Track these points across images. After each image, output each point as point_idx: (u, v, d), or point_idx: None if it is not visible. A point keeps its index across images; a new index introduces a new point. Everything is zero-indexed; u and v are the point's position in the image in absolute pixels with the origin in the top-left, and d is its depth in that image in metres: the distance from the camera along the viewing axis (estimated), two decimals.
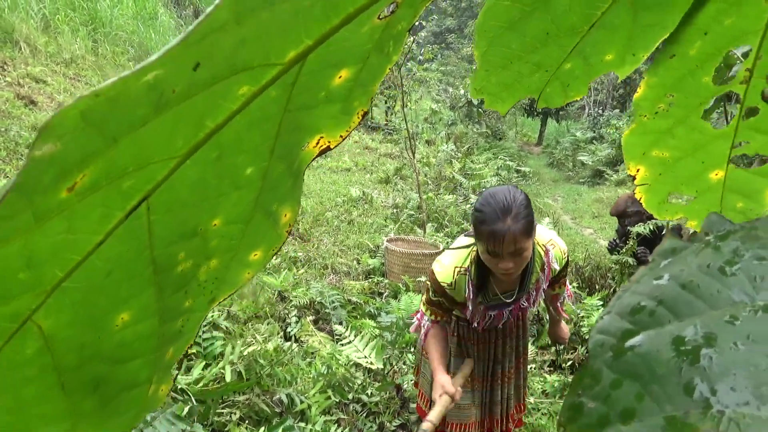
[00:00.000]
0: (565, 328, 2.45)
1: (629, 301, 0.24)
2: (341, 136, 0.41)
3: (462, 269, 1.88)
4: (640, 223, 4.30)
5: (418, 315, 2.11)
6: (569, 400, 0.21)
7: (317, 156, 0.41)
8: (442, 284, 1.90)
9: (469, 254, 1.88)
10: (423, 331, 2.05)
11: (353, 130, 0.42)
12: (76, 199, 0.28)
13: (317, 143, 0.40)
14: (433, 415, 1.75)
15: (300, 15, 0.31)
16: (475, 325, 2.01)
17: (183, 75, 0.27)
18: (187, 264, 0.38)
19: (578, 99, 0.73)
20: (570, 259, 2.30)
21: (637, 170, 0.69)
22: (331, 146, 0.41)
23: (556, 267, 1.97)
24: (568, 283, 2.30)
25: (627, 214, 4.37)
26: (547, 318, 3.95)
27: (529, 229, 1.65)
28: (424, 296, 2.04)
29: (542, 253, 1.92)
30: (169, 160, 0.31)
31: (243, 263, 0.42)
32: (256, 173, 0.37)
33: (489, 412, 2.25)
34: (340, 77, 0.37)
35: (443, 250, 5.01)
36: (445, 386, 1.82)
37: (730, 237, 0.25)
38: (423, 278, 4.09)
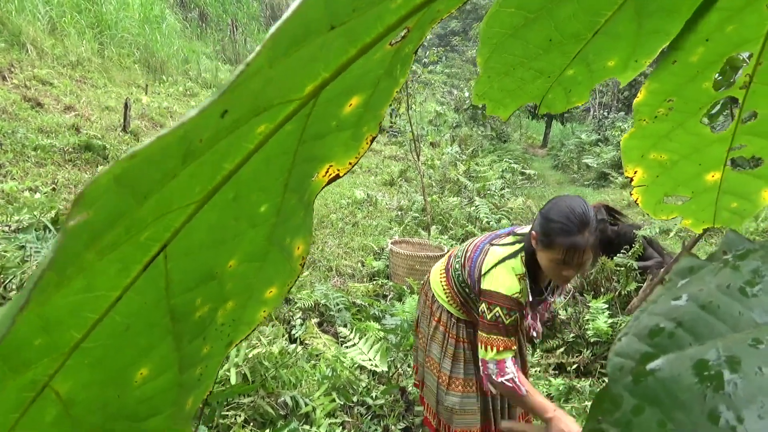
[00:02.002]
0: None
1: (647, 322, 0.24)
2: (350, 163, 0.40)
3: (522, 275, 1.87)
4: (603, 232, 4.44)
5: (492, 370, 1.87)
6: (589, 427, 0.20)
7: (326, 185, 0.40)
8: (514, 297, 1.84)
9: (520, 259, 1.89)
10: (517, 379, 1.82)
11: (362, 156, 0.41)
12: (97, 258, 0.27)
13: (326, 172, 0.40)
14: None
15: (323, 50, 0.30)
16: (532, 331, 2.00)
17: (211, 123, 0.27)
18: (205, 309, 0.37)
19: (580, 104, 0.73)
20: None
21: (635, 172, 0.70)
22: (341, 174, 0.40)
23: None
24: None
25: None
26: (559, 320, 3.95)
27: (597, 241, 1.73)
28: (495, 341, 1.85)
29: None
30: (187, 207, 0.30)
31: (259, 301, 0.41)
32: (271, 209, 0.37)
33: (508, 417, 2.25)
34: (350, 105, 0.37)
35: (447, 252, 4.98)
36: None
37: (750, 256, 0.25)
38: None
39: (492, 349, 1.86)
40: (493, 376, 1.85)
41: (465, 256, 2.08)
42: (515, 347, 1.88)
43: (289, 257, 0.41)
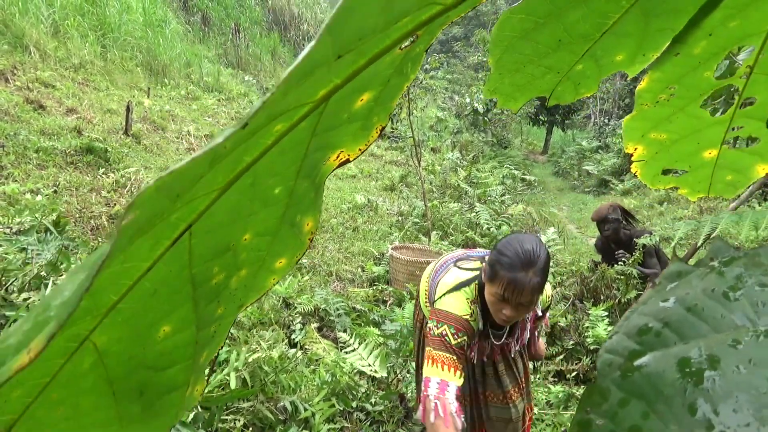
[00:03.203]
0: (541, 344, 2.41)
1: (636, 322, 0.25)
2: (360, 150, 0.44)
3: (473, 300, 1.83)
4: (616, 232, 4.49)
5: (433, 391, 1.64)
6: (578, 417, 0.22)
7: (336, 168, 0.44)
8: (464, 318, 1.77)
9: (474, 287, 1.86)
10: (453, 408, 1.58)
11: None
12: (136, 237, 0.31)
13: (337, 157, 0.43)
14: None
15: (332, 69, 0.33)
16: (472, 356, 1.96)
17: (234, 135, 0.30)
18: (221, 276, 0.41)
19: (586, 103, 0.75)
20: (552, 296, 2.21)
21: (635, 149, 0.73)
22: (350, 159, 0.44)
23: (539, 312, 2.03)
24: (546, 317, 2.29)
25: (608, 219, 4.60)
26: (558, 330, 3.95)
27: (543, 287, 1.65)
28: (441, 357, 1.70)
29: None
30: (211, 193, 0.35)
31: (269, 270, 0.46)
32: (284, 192, 0.41)
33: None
34: (362, 100, 0.40)
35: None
36: None
37: (734, 263, 0.26)
38: None
39: (438, 366, 1.70)
40: (431, 397, 1.62)
41: (435, 269, 2.09)
42: (461, 378, 1.70)
43: (299, 232, 0.45)
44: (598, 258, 4.95)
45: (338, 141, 0.42)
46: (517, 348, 2.04)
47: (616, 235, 4.61)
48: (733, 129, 0.69)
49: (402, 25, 0.34)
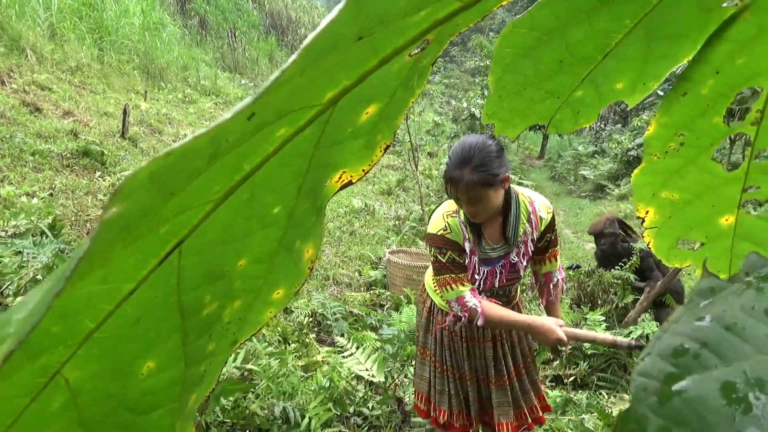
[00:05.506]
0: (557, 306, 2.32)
1: (670, 342, 0.24)
2: (363, 170, 0.41)
3: (451, 212, 1.94)
4: (613, 245, 4.48)
5: (470, 301, 1.90)
6: None
7: (339, 190, 0.41)
8: (438, 233, 1.92)
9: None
10: (479, 309, 1.86)
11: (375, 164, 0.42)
12: (122, 249, 0.28)
13: (339, 178, 0.40)
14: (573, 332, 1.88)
15: (345, 61, 0.31)
16: (476, 278, 1.98)
17: (239, 125, 0.27)
18: (213, 306, 0.37)
19: (587, 126, 0.72)
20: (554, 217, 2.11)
21: (647, 212, 0.68)
22: (353, 180, 0.41)
23: (543, 215, 1.99)
24: (560, 263, 2.21)
25: (603, 234, 4.55)
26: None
27: (488, 182, 1.73)
28: (445, 279, 1.92)
29: (527, 203, 1.96)
30: (205, 205, 0.31)
31: (266, 302, 0.41)
32: (283, 212, 0.37)
33: (479, 412, 2.23)
34: (367, 113, 0.38)
35: None
36: (558, 325, 1.83)
37: None
38: None
39: (447, 288, 1.92)
40: (459, 314, 1.92)
41: None
42: (468, 282, 1.93)
43: (299, 260, 0.41)
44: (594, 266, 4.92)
45: (341, 159, 0.39)
46: (525, 264, 2.05)
47: (613, 248, 4.58)
48: (749, 188, 0.63)
49: (419, 20, 0.33)
